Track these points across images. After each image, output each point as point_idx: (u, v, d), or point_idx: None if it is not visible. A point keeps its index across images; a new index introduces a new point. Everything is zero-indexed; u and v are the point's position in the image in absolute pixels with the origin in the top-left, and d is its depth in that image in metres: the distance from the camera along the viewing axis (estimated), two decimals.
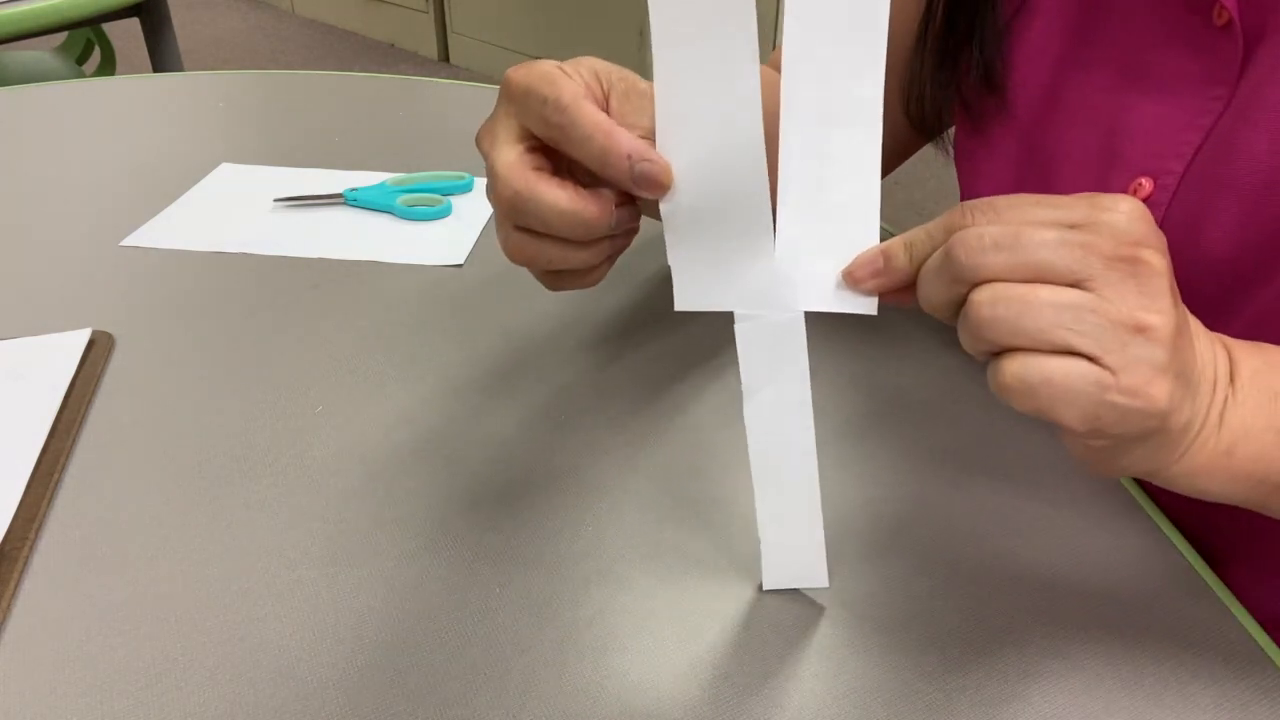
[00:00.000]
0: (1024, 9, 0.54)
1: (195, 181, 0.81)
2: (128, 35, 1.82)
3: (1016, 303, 0.31)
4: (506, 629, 0.42)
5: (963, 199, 0.58)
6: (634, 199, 0.39)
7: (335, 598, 0.43)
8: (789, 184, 0.37)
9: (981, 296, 0.32)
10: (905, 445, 0.53)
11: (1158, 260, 0.32)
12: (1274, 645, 0.42)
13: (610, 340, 0.61)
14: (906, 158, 0.72)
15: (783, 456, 0.40)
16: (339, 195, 0.78)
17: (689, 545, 0.46)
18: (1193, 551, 0.47)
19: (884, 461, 0.52)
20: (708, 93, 0.36)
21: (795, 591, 0.44)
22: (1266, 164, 0.45)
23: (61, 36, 1.85)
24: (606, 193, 0.38)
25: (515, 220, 0.39)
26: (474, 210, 0.77)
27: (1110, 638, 0.42)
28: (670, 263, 0.38)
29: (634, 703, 0.39)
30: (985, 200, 0.34)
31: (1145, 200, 0.48)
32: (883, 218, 0.79)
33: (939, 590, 0.44)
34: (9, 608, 0.43)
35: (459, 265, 0.70)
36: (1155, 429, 0.33)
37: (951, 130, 0.63)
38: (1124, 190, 0.49)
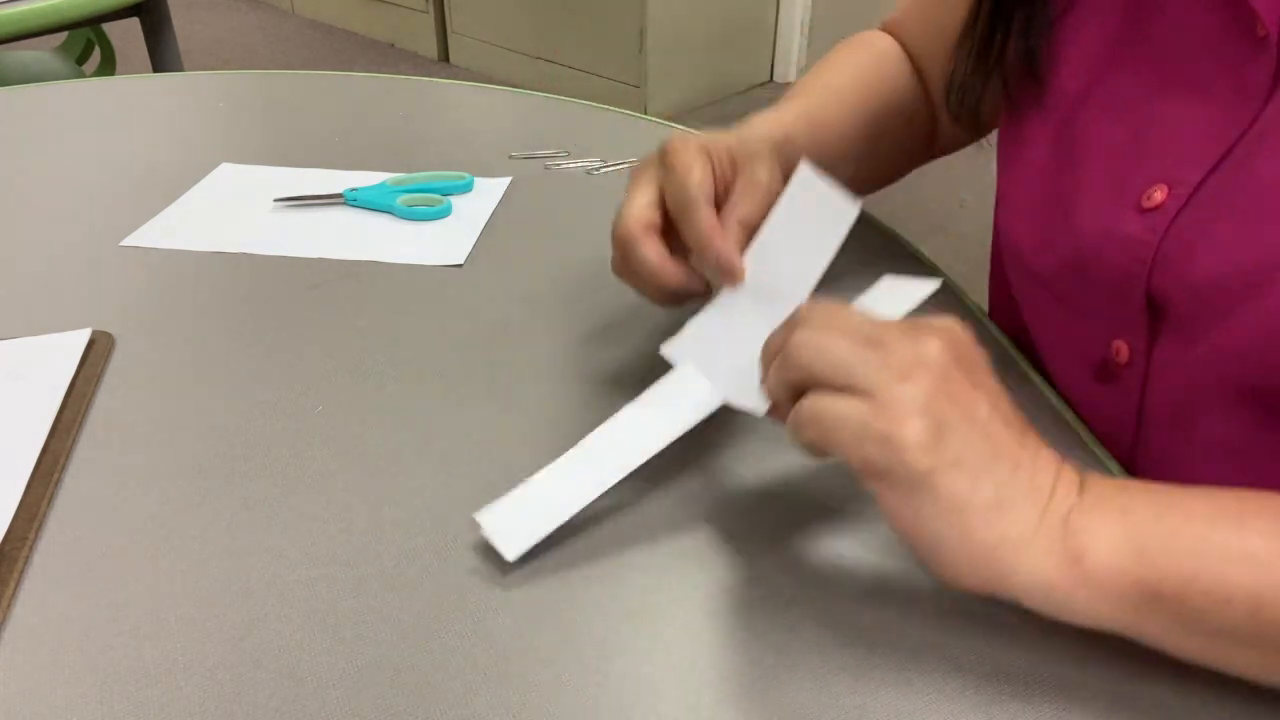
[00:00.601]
0: (1072, 8, 0.54)
1: (195, 181, 0.81)
2: (128, 35, 1.82)
3: (813, 348, 0.39)
4: (506, 629, 0.42)
5: (999, 186, 0.58)
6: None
7: (335, 598, 0.43)
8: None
9: (793, 338, 0.40)
10: None
11: (934, 356, 0.38)
12: None
13: (611, 340, 0.61)
14: (947, 152, 0.73)
15: (604, 457, 0.47)
16: (339, 195, 0.78)
17: (689, 545, 0.46)
18: None
19: None
20: (788, 257, 0.51)
21: (796, 593, 0.44)
22: (1273, 189, 0.44)
23: (61, 36, 1.85)
24: (689, 268, 0.52)
25: (619, 254, 0.53)
26: (474, 210, 0.77)
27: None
28: (691, 321, 0.51)
29: (634, 703, 0.39)
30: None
31: (1155, 209, 0.48)
32: (884, 216, 0.78)
33: (941, 590, 0.44)
34: (9, 608, 0.43)
35: (459, 265, 0.70)
36: (920, 478, 0.36)
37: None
38: (1138, 198, 0.49)
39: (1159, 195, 0.48)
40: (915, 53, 0.71)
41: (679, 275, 0.51)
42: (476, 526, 0.46)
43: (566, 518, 0.46)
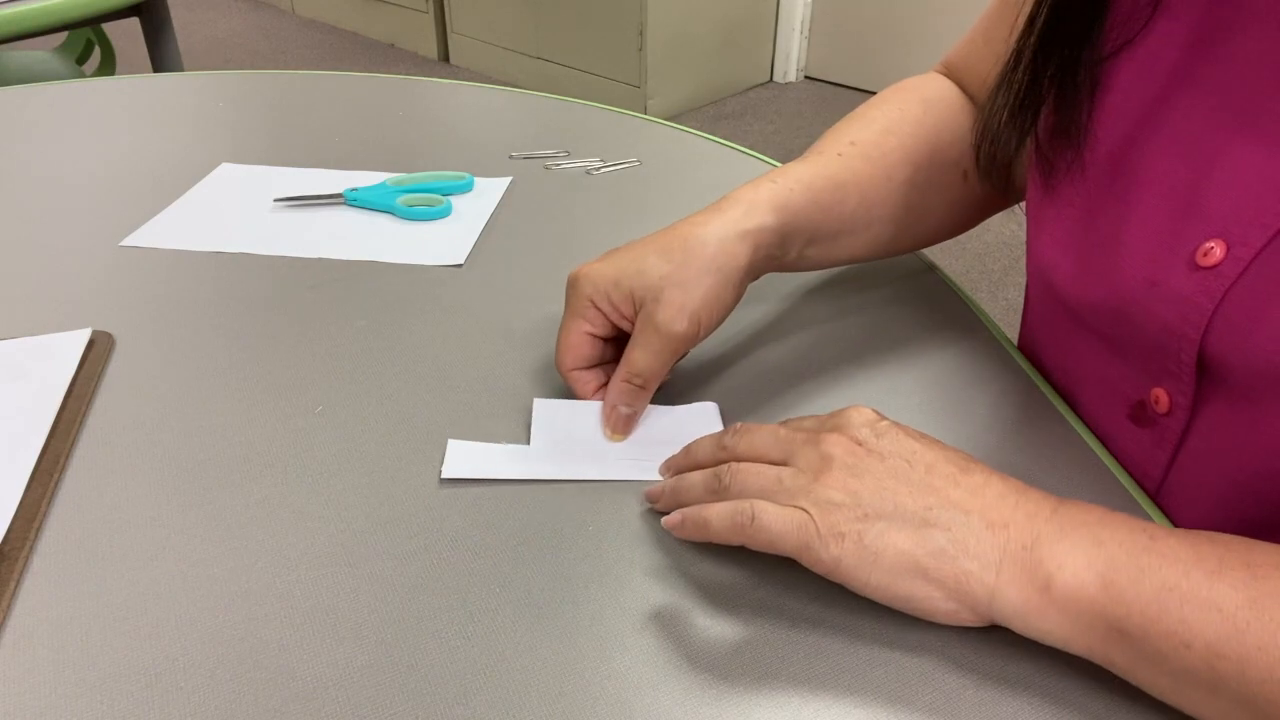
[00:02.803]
0: (1128, 45, 0.50)
1: (195, 181, 0.81)
2: (128, 35, 1.82)
3: (746, 477, 0.44)
4: (506, 629, 0.42)
5: (1032, 214, 0.55)
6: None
7: (335, 598, 0.43)
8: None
9: (724, 476, 0.44)
10: None
11: (837, 439, 0.43)
12: None
13: None
14: (982, 217, 0.67)
15: (576, 457, 0.52)
16: (339, 195, 0.78)
17: (690, 546, 0.46)
18: None
19: None
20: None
21: (796, 591, 0.44)
22: None
23: (61, 36, 1.85)
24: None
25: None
26: (474, 210, 0.77)
27: None
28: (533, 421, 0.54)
29: (634, 703, 0.39)
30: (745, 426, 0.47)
31: (1213, 268, 0.44)
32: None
33: None
34: (9, 608, 0.43)
35: (459, 265, 0.70)
36: (861, 554, 0.40)
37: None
38: (1191, 252, 0.45)
39: (1217, 253, 0.44)
40: (968, 86, 0.65)
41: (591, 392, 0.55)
42: (473, 528, 0.46)
43: (506, 477, 0.50)
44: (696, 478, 0.46)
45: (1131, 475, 0.52)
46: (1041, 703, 0.39)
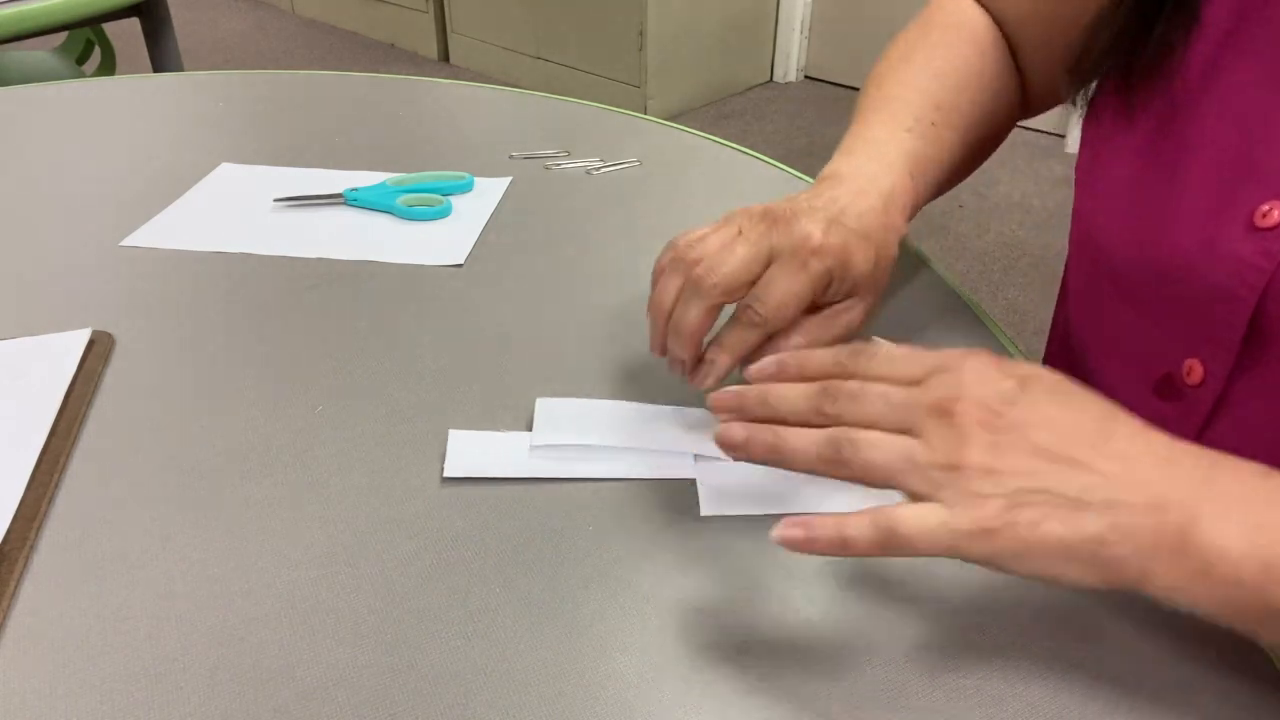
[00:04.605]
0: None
1: (195, 181, 0.81)
2: (128, 35, 1.82)
3: (865, 449, 0.38)
4: (506, 629, 0.42)
5: (1083, 176, 0.54)
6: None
7: (335, 598, 0.43)
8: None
9: (840, 437, 0.39)
10: None
11: (971, 410, 0.38)
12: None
13: (610, 340, 0.61)
14: (1026, 117, 0.68)
15: (575, 453, 0.52)
16: (339, 195, 0.78)
17: (690, 546, 0.46)
18: None
19: None
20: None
21: (797, 591, 0.44)
22: None
23: (61, 36, 1.85)
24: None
25: (686, 289, 0.49)
26: (474, 210, 0.77)
27: (1111, 638, 0.42)
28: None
29: (634, 703, 0.39)
30: (868, 347, 0.42)
31: (1273, 229, 0.44)
32: None
33: (943, 594, 0.44)
34: (9, 608, 0.43)
35: (459, 265, 0.70)
36: (1007, 545, 0.36)
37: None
38: (1249, 213, 0.44)
39: (1276, 214, 0.44)
40: (1008, 22, 0.64)
41: (694, 348, 0.49)
42: (474, 528, 0.46)
43: (509, 476, 0.50)
44: (794, 392, 0.41)
45: None
46: (1038, 704, 0.39)
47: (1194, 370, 0.48)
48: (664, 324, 0.49)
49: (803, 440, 0.39)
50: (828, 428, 0.39)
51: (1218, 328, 0.47)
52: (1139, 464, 0.37)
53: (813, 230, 0.48)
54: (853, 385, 0.40)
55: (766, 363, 0.44)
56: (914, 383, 0.39)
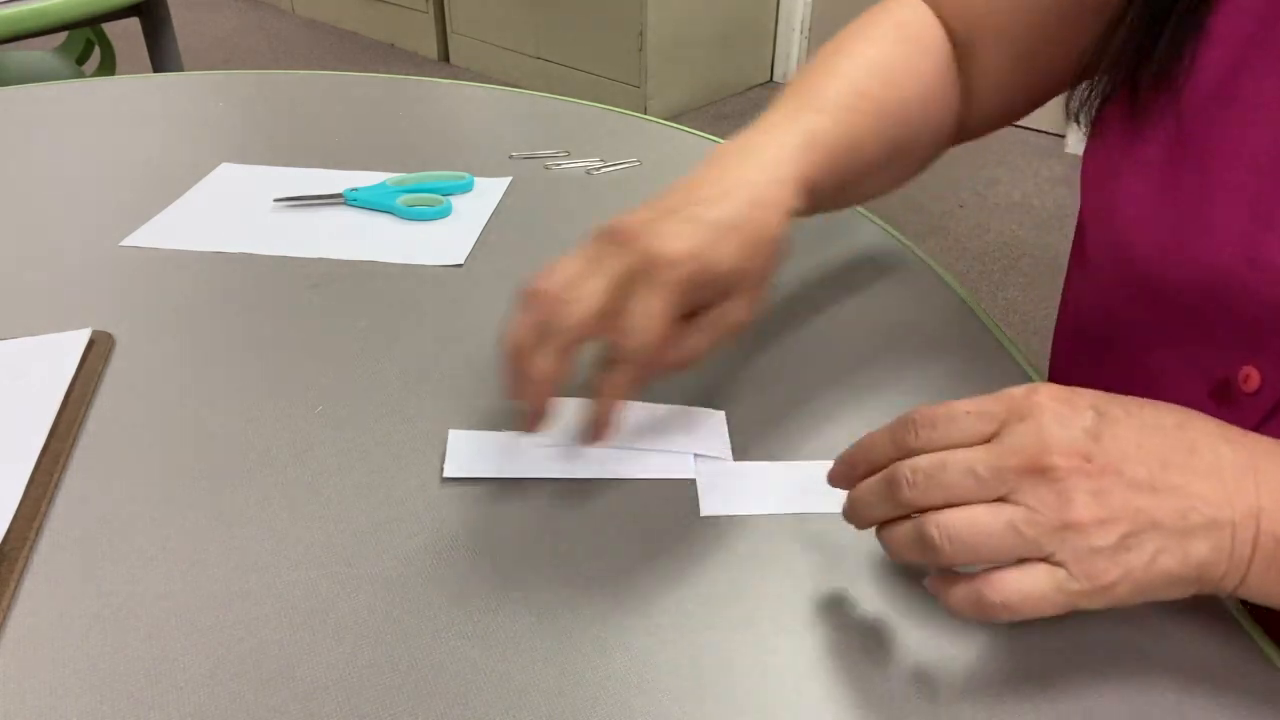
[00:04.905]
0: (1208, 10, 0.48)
1: (195, 181, 0.81)
2: (128, 35, 1.82)
3: (965, 534, 0.36)
4: (506, 629, 0.42)
5: (1094, 186, 0.53)
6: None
7: (335, 598, 0.43)
8: None
9: (931, 531, 0.37)
10: None
11: (1064, 462, 0.36)
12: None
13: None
14: (975, 137, 0.65)
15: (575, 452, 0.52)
16: (339, 195, 0.78)
17: (690, 546, 0.46)
18: None
19: None
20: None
21: (797, 590, 0.44)
22: None
23: (61, 36, 1.85)
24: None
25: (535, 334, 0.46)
26: (474, 210, 0.77)
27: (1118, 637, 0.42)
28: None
29: (634, 703, 0.39)
30: (924, 412, 0.39)
31: None
32: (883, 216, 0.79)
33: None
34: (9, 608, 0.43)
35: (459, 265, 0.70)
36: (1125, 592, 0.36)
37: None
38: None
39: None
40: (956, 24, 0.62)
41: (548, 392, 0.47)
42: (474, 528, 0.46)
43: (509, 476, 0.50)
44: (873, 496, 0.40)
45: None
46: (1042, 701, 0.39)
47: (1251, 377, 0.48)
48: (515, 368, 0.46)
49: (895, 540, 0.38)
50: (915, 516, 0.38)
51: (1273, 337, 0.46)
52: (1226, 475, 0.37)
53: (663, 240, 0.45)
54: (926, 462, 0.38)
55: (834, 474, 0.43)
56: (987, 440, 0.38)
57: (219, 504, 0.48)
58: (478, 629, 0.42)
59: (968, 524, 0.36)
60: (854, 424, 0.54)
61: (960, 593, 0.37)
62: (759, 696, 0.40)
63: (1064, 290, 0.63)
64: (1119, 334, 0.56)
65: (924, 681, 0.40)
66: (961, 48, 0.62)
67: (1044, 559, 0.36)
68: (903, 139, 0.59)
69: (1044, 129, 2.76)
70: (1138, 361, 0.55)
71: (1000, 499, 0.36)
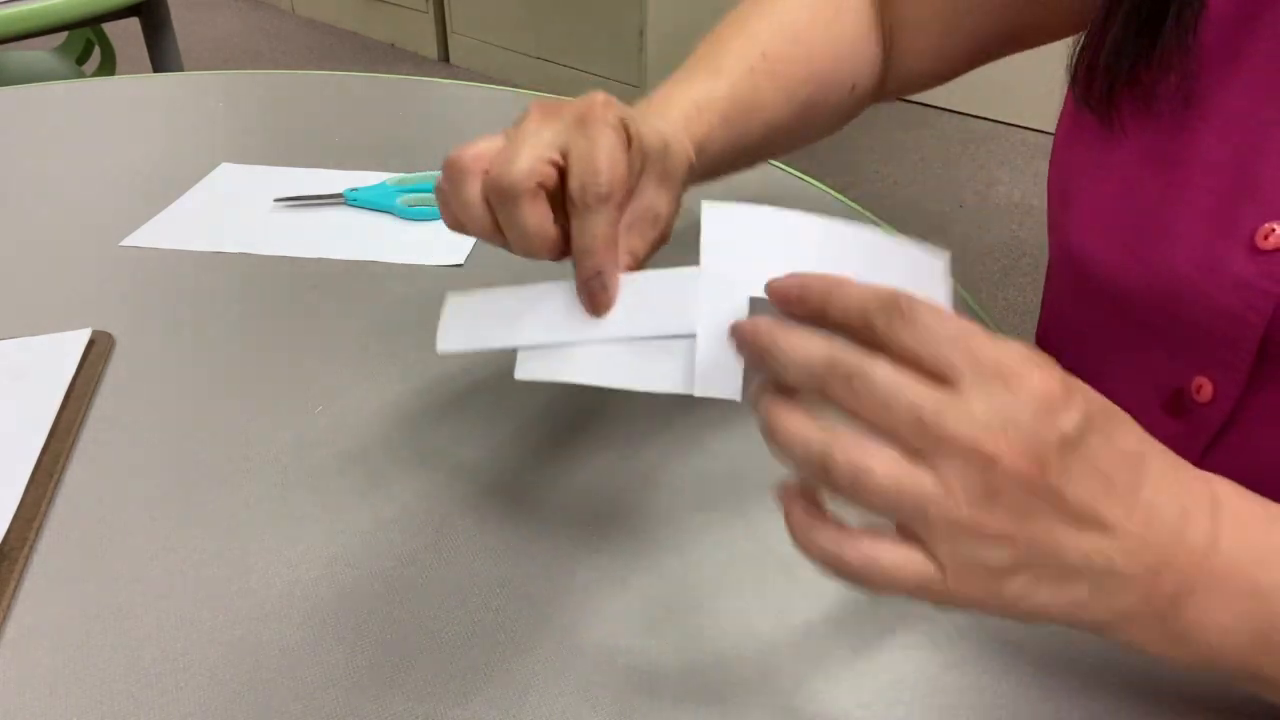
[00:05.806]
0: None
1: (195, 181, 0.81)
2: (128, 35, 1.82)
3: (875, 483, 0.31)
4: (506, 629, 0.42)
5: (1057, 188, 0.53)
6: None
7: (335, 598, 0.43)
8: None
9: (839, 457, 0.31)
10: None
11: (1011, 462, 0.30)
12: None
13: None
14: (896, 97, 0.65)
15: (576, 333, 0.43)
16: (339, 195, 0.78)
17: (690, 547, 0.46)
18: None
19: None
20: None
21: (796, 595, 0.44)
22: None
23: (61, 36, 1.85)
24: (560, 238, 0.42)
25: (495, 198, 0.41)
26: None
27: None
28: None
29: (634, 703, 0.39)
30: (910, 306, 0.33)
31: (1275, 251, 0.42)
32: (883, 216, 0.79)
33: None
34: (9, 608, 0.43)
35: (459, 265, 0.70)
36: (989, 611, 0.32)
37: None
38: (1249, 234, 0.43)
39: (1279, 235, 0.43)
40: None
41: (553, 247, 0.42)
42: (474, 528, 0.46)
43: (508, 346, 0.43)
44: (800, 356, 0.33)
45: None
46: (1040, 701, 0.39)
47: (1204, 388, 0.48)
48: (456, 219, 0.43)
49: (789, 430, 0.32)
50: (819, 416, 0.32)
51: (1227, 348, 0.46)
52: (1156, 521, 0.33)
53: (593, 96, 0.43)
54: (883, 374, 0.31)
55: (790, 284, 0.35)
56: (949, 380, 0.31)
57: (219, 504, 0.48)
58: (478, 629, 0.42)
59: (888, 475, 0.31)
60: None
61: (820, 536, 0.32)
62: (761, 696, 0.39)
63: (1045, 296, 0.64)
64: (1075, 341, 0.57)
65: (929, 674, 0.40)
66: (884, 4, 0.61)
67: (923, 544, 0.31)
68: (812, 97, 0.58)
69: (1044, 129, 2.76)
70: (1091, 370, 0.54)
71: (922, 458, 0.31)
